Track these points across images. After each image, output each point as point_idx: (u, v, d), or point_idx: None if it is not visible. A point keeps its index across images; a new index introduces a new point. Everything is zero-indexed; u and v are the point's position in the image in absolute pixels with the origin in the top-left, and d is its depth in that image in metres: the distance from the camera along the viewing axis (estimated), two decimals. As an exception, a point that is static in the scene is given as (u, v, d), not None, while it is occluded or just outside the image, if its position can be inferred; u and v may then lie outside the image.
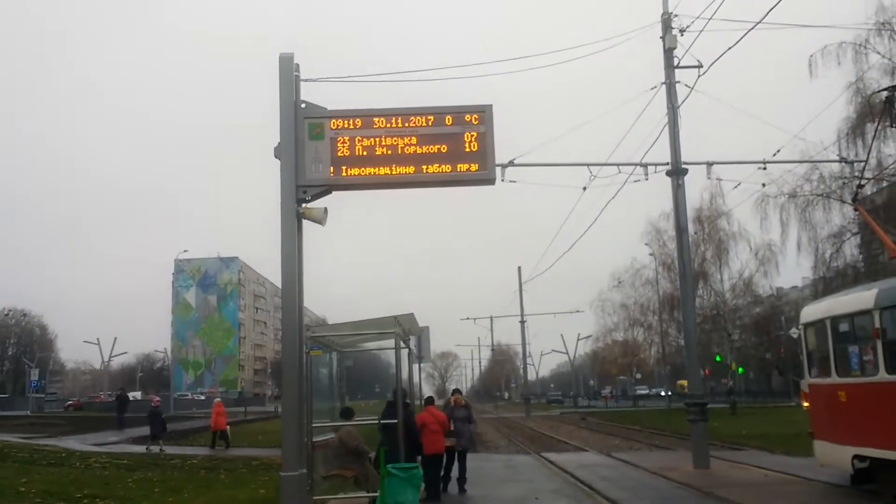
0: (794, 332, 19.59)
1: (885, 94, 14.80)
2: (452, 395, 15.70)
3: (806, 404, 14.94)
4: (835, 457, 12.90)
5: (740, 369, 55.26)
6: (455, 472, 14.25)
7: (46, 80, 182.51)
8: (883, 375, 11.26)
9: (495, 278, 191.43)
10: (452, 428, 14.10)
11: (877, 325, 11.43)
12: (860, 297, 12.24)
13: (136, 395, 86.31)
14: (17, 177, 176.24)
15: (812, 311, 14.14)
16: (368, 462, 12.03)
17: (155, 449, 24.53)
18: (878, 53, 24.66)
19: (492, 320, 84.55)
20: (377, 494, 10.26)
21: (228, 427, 27.85)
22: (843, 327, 12.76)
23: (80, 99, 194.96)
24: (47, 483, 15.09)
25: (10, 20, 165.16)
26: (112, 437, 30.51)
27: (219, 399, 37.25)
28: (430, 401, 14.85)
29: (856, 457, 12.15)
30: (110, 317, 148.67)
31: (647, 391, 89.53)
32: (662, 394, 66.13)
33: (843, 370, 12.66)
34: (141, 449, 25.37)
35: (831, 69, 25.31)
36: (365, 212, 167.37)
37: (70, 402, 78.86)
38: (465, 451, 14.65)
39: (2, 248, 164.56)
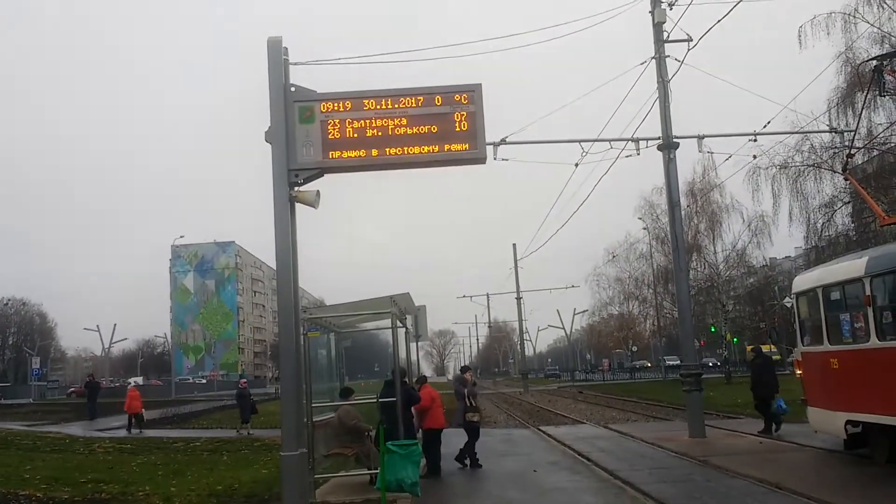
0: (787, 302, 19.80)
1: (874, 63, 14.82)
2: (464, 372, 15.90)
3: (799, 372, 15.13)
4: (828, 423, 13.09)
5: (735, 339, 55.57)
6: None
7: (38, 64, 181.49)
8: (874, 342, 11.41)
9: (491, 256, 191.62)
10: (476, 403, 14.65)
11: (867, 292, 11.57)
12: (851, 266, 12.37)
13: (137, 380, 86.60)
14: (13, 166, 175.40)
15: (804, 281, 14.28)
16: (368, 440, 12.22)
17: (244, 432, 24.16)
18: (868, 22, 24.56)
19: (488, 298, 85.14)
20: (378, 471, 10.42)
21: (144, 411, 28.96)
22: (835, 295, 12.91)
23: (73, 84, 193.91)
24: (51, 469, 15.27)
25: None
26: (115, 422, 30.63)
27: (133, 385, 38.20)
28: (423, 380, 15.18)
29: (849, 422, 12.34)
30: (109, 304, 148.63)
31: (678, 362, 78.48)
32: (712, 364, 64.34)
33: (834, 338, 12.81)
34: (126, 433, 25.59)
35: (821, 39, 25.22)
36: (359, 193, 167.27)
37: (73, 389, 79.06)
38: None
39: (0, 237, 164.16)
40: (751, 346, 24.20)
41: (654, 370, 73.81)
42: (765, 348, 25.84)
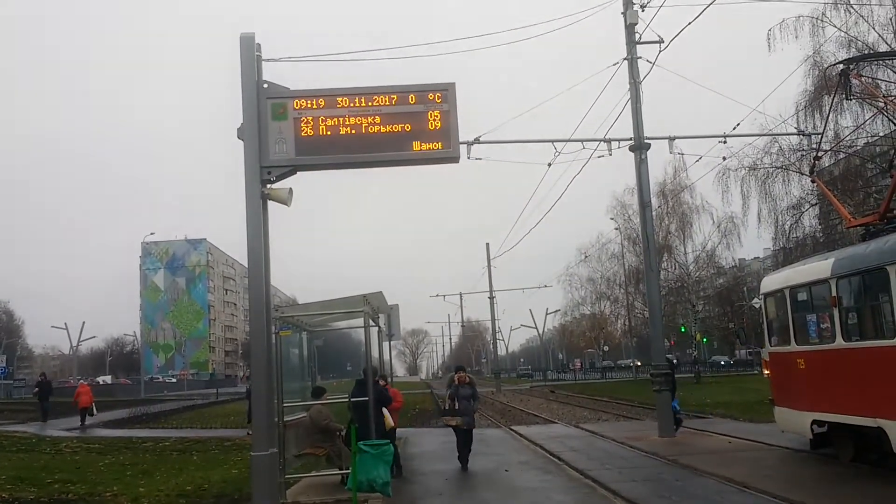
0: (755, 303, 20.06)
1: (840, 67, 15.07)
2: (456, 372, 14.97)
3: (766, 372, 15.32)
4: (794, 422, 13.27)
5: (704, 339, 56.14)
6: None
7: (4, 59, 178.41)
8: (840, 342, 11.60)
9: (465, 255, 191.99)
10: (458, 406, 13.91)
11: (833, 293, 11.75)
12: (817, 267, 12.55)
13: (106, 379, 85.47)
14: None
15: (772, 282, 14.46)
16: (340, 439, 12.17)
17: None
18: (835, 27, 25.05)
19: (461, 297, 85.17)
20: (349, 472, 10.37)
21: (93, 405, 30.18)
22: (802, 296, 13.09)
23: (41, 81, 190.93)
24: (17, 469, 15.02)
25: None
26: (74, 422, 30.11)
27: (83, 381, 40.18)
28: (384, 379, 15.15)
29: (815, 422, 12.53)
30: (78, 302, 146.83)
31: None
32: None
33: (801, 338, 12.99)
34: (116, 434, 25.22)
35: (789, 43, 25.67)
36: (331, 192, 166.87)
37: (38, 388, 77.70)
38: (470, 430, 14.24)
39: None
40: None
41: (626, 370, 74.48)
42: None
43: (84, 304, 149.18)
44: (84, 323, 76.96)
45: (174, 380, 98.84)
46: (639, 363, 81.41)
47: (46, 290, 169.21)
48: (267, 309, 8.60)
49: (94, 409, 30.55)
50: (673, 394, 18.48)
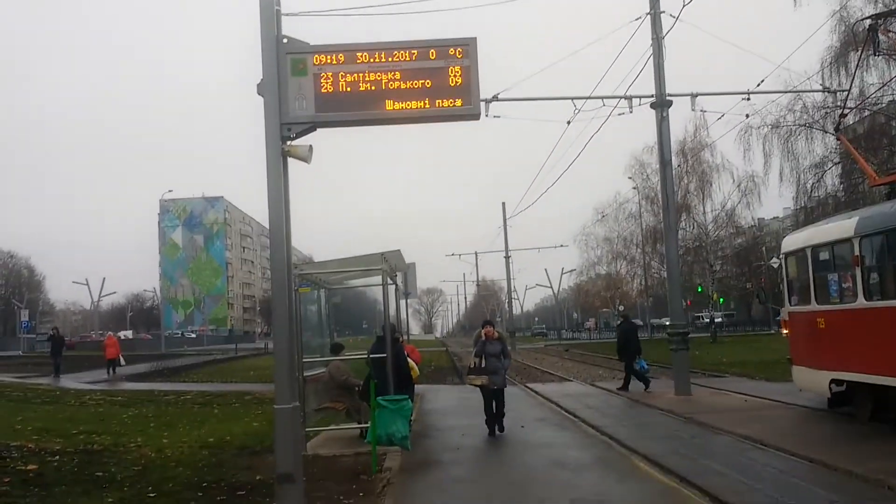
0: (774, 262, 19.98)
1: (868, 22, 14.75)
2: (483, 326, 13.42)
3: (785, 331, 15.30)
4: (813, 381, 13.27)
5: (721, 299, 55.90)
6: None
7: (24, 16, 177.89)
8: (861, 302, 11.54)
9: (481, 214, 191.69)
10: (484, 364, 12.76)
11: (856, 252, 11.65)
12: (840, 226, 12.43)
13: (127, 334, 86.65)
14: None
15: (793, 241, 14.36)
16: (357, 394, 12.30)
17: None
18: (863, -19, 24.47)
19: (477, 256, 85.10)
20: (367, 426, 10.50)
21: (120, 356, 32.02)
22: (824, 256, 12.99)
23: (62, 33, 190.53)
24: (42, 420, 15.32)
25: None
26: (104, 374, 30.72)
27: (111, 333, 42.97)
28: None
29: (833, 381, 12.53)
30: (98, 258, 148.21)
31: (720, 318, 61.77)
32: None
33: (822, 298, 12.94)
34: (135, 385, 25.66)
35: (815, -2, 25.14)
36: (349, 150, 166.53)
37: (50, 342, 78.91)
38: (501, 389, 13.04)
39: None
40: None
41: (641, 329, 74.45)
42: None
43: (104, 260, 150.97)
44: (104, 279, 78.03)
45: (194, 335, 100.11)
46: (654, 322, 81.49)
47: (67, 247, 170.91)
48: (288, 266, 8.61)
49: (122, 359, 32.35)
50: (636, 354, 19.01)
